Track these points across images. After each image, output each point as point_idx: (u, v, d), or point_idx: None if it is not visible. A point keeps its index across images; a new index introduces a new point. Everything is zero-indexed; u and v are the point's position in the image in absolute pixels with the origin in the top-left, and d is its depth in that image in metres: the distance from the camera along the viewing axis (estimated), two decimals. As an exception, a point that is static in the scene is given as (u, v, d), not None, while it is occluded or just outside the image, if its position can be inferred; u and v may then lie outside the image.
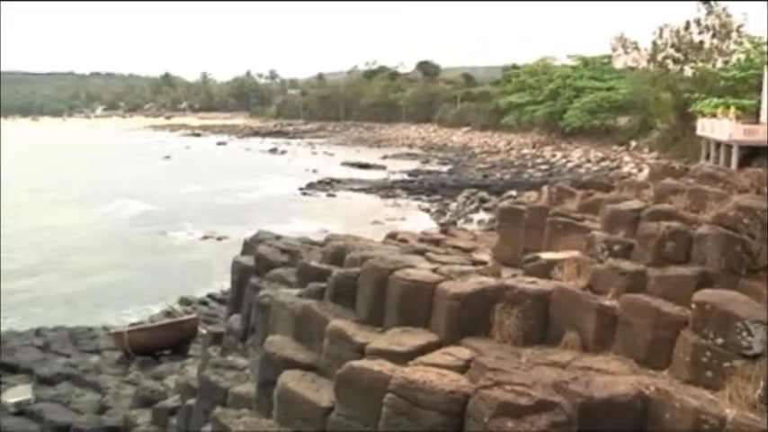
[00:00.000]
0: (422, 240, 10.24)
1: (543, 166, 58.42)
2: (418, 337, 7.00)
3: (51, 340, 18.55)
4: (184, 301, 23.13)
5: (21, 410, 13.82)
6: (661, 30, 53.09)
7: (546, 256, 8.64)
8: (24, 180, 59.18)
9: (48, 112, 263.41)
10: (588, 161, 57.37)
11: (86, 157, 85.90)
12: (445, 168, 64.66)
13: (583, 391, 5.56)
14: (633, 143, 58.30)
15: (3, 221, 38.09)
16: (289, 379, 7.23)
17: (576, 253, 8.45)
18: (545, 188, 13.22)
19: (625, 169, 48.08)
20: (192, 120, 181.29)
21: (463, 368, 6.25)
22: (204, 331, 15.23)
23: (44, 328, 20.08)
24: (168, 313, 19.50)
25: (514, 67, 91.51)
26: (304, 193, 51.02)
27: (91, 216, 42.41)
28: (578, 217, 9.65)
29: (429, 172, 62.01)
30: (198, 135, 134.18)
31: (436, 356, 6.56)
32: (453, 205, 43.44)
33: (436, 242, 10.20)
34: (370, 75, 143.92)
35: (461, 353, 6.58)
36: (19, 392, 14.51)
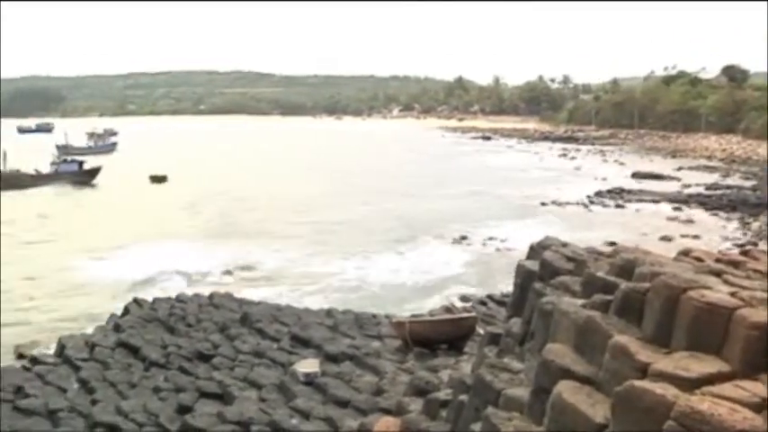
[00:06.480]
0: (719, 260, 9.44)
1: None
2: (708, 365, 6.48)
3: (340, 322, 19.86)
4: (464, 299, 23.70)
5: (309, 381, 15.05)
6: None
7: None
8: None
9: (349, 111, 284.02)
10: None
11: (384, 156, 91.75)
12: (748, 184, 59.53)
13: None
14: None
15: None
16: (565, 389, 7.09)
17: None
18: None
19: None
20: (483, 122, 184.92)
21: (758, 407, 5.65)
22: (482, 331, 15.42)
23: (334, 309, 21.63)
24: (448, 309, 19.99)
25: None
26: (592, 202, 49.89)
27: (381, 215, 45.05)
28: None
29: (729, 187, 57.50)
30: (488, 138, 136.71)
31: (727, 388, 6.00)
32: (755, 225, 39.89)
33: (735, 264, 9.35)
34: (668, 80, 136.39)
35: (757, 389, 5.96)
36: (308, 365, 15.79)
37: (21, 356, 19.48)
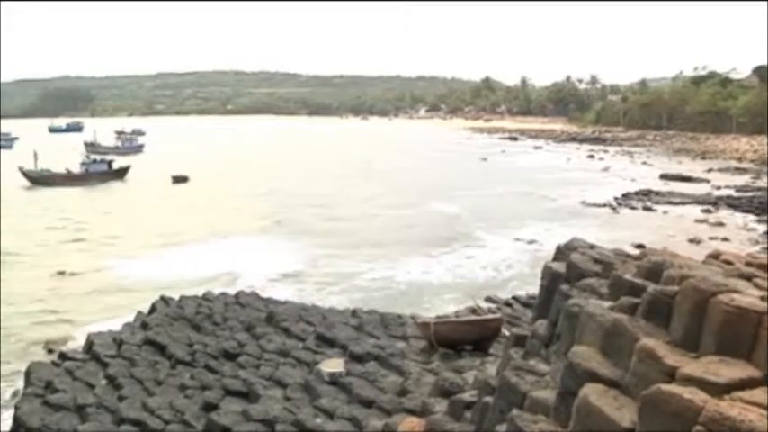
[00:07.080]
0: (749, 264, 9.27)
1: None
2: (737, 370, 6.37)
3: (365, 322, 19.79)
4: (490, 300, 23.61)
5: (333, 381, 15.03)
6: None
7: None
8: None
9: (376, 111, 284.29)
10: None
11: (414, 156, 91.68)
12: (779, 186, 58.78)
13: None
14: None
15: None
16: (591, 392, 7.02)
17: None
18: None
19: None
20: (510, 123, 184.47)
21: (790, 413, 5.57)
22: (507, 332, 15.33)
23: (359, 309, 21.60)
24: (473, 310, 19.89)
25: None
26: (619, 204, 49.47)
27: (408, 215, 45.02)
28: None
29: (760, 189, 56.70)
30: (515, 139, 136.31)
31: (757, 394, 5.89)
32: (787, 228, 39.37)
33: (765, 267, 9.23)
34: (698, 81, 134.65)
35: (788, 395, 5.88)
36: (333, 364, 15.77)
37: (50, 352, 19.82)
